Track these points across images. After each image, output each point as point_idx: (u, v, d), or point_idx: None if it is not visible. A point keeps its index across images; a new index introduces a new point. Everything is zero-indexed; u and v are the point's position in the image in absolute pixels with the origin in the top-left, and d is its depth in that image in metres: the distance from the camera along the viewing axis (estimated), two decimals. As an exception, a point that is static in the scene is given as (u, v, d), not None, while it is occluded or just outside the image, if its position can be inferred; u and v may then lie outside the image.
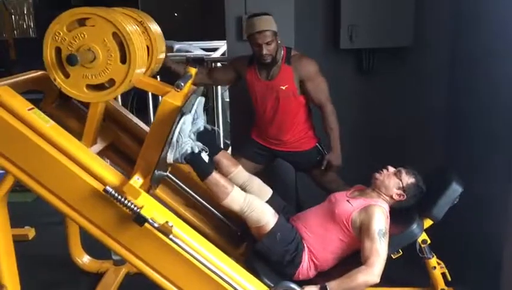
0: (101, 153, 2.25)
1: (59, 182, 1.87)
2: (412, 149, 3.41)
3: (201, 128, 2.24)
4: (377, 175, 2.39)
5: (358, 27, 3.33)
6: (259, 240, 2.24)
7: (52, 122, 1.90)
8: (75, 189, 1.87)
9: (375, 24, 3.34)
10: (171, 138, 1.96)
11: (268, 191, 2.47)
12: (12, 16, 10.35)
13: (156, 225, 1.83)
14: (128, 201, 1.81)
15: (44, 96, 2.36)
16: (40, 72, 2.32)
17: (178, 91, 2.02)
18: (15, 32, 10.33)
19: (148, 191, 1.98)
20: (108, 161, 2.47)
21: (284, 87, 2.83)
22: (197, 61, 3.70)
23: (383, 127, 3.55)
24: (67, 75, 1.90)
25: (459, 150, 3.25)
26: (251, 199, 2.25)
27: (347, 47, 3.40)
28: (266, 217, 2.22)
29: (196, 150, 2.11)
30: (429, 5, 3.36)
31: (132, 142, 2.53)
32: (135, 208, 1.81)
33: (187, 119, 2.04)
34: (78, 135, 2.05)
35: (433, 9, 3.38)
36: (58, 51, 1.88)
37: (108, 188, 1.80)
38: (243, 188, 2.36)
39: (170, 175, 2.29)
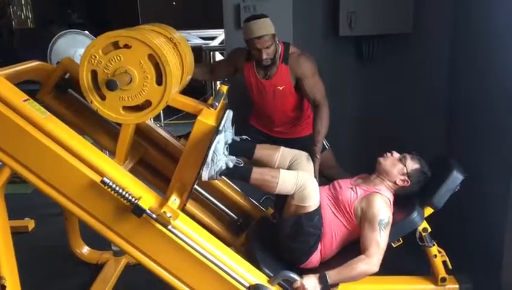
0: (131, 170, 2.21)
1: (56, 173, 1.86)
2: (412, 136, 3.38)
3: (230, 141, 2.22)
4: (381, 159, 2.37)
5: (358, 14, 3.30)
6: (289, 218, 2.20)
7: (48, 113, 1.87)
8: (73, 180, 1.86)
9: (375, 11, 3.30)
10: (206, 158, 1.95)
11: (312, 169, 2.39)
12: (10, 7, 10.30)
13: (154, 215, 1.82)
14: (126, 192, 1.80)
15: (41, 86, 2.34)
16: (36, 62, 2.30)
17: (212, 110, 2.02)
18: (13, 22, 10.27)
19: (182, 209, 1.98)
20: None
21: (281, 88, 2.82)
22: (196, 51, 3.68)
23: (382, 115, 3.53)
24: (103, 98, 1.88)
25: (460, 137, 3.23)
26: (304, 176, 2.18)
27: (346, 34, 3.37)
28: (314, 197, 2.17)
29: (231, 165, 2.11)
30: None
31: (159, 154, 2.51)
32: (133, 199, 1.80)
33: (221, 137, 2.03)
34: (74, 126, 2.02)
35: (433, -5, 3.34)
36: (93, 73, 1.85)
37: (105, 179, 1.78)
38: (291, 166, 2.31)
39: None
